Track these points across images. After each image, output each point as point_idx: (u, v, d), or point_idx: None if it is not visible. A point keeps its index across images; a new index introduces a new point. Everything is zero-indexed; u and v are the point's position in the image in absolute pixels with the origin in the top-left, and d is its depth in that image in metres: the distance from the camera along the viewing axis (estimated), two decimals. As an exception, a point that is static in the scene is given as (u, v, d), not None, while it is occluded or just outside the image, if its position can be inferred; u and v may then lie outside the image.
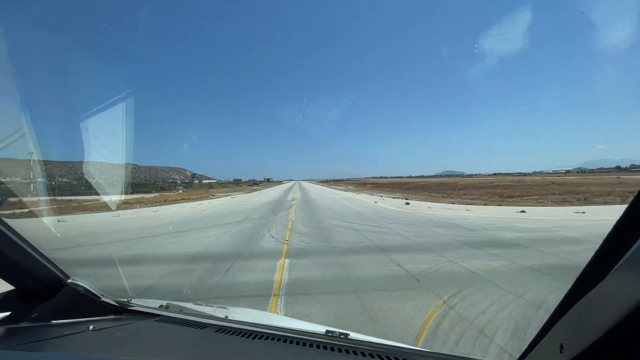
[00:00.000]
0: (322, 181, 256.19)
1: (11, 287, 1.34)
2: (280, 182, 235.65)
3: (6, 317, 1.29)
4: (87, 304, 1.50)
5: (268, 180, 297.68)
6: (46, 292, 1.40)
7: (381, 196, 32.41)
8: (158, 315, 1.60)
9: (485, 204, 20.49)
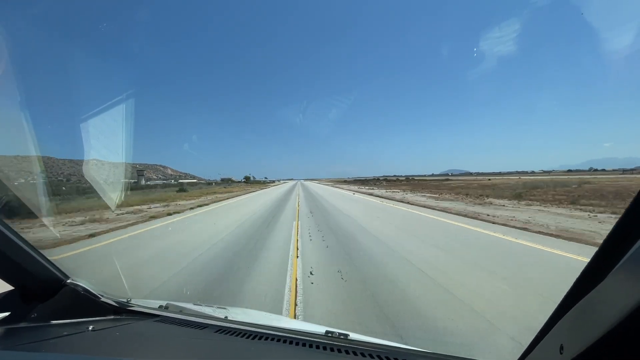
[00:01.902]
0: (333, 181, 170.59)
1: (10, 287, 1.35)
2: (271, 183, 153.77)
3: (5, 318, 1.29)
4: (87, 304, 1.50)
5: (247, 179, 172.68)
6: (46, 292, 1.40)
7: None
8: (157, 315, 1.60)
9: None
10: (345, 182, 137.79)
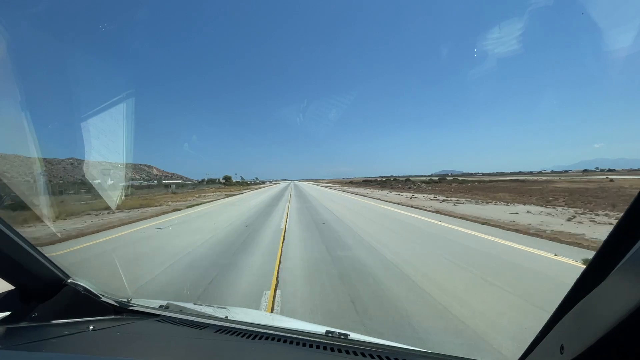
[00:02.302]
0: (332, 183, 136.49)
1: (11, 287, 1.34)
2: (260, 185, 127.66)
3: (6, 317, 1.29)
4: (87, 304, 1.50)
5: (227, 179, 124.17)
6: (46, 291, 1.40)
7: None
8: (158, 315, 1.60)
9: None
10: (351, 183, 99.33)
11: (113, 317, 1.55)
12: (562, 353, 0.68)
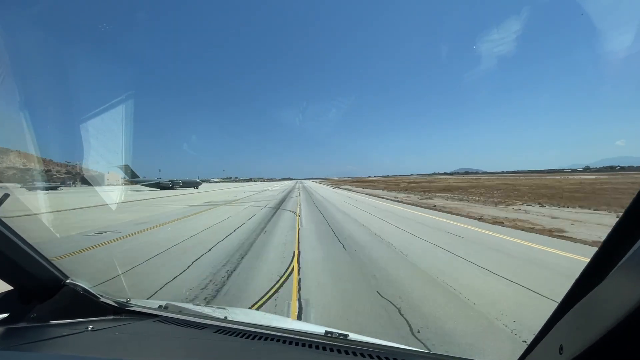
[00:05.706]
0: (347, 182, 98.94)
1: (10, 287, 1.34)
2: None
3: (5, 318, 1.29)
4: (86, 304, 1.50)
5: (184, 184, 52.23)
6: (45, 292, 1.40)
7: None
8: (157, 315, 1.60)
9: None
10: (387, 187, 46.70)
11: (112, 317, 1.55)
12: (561, 353, 0.67)
